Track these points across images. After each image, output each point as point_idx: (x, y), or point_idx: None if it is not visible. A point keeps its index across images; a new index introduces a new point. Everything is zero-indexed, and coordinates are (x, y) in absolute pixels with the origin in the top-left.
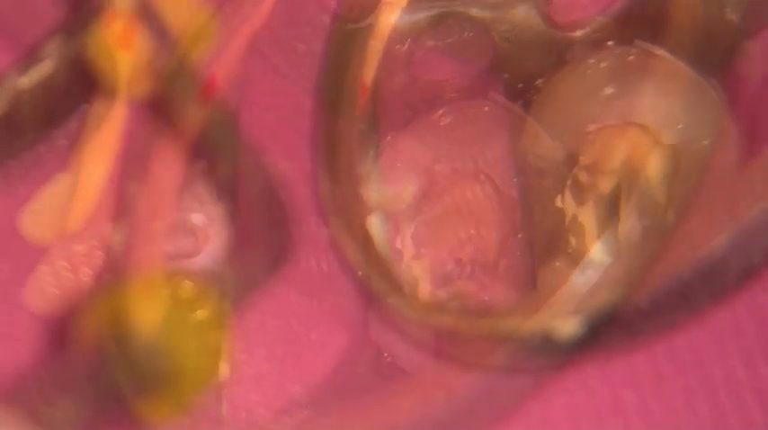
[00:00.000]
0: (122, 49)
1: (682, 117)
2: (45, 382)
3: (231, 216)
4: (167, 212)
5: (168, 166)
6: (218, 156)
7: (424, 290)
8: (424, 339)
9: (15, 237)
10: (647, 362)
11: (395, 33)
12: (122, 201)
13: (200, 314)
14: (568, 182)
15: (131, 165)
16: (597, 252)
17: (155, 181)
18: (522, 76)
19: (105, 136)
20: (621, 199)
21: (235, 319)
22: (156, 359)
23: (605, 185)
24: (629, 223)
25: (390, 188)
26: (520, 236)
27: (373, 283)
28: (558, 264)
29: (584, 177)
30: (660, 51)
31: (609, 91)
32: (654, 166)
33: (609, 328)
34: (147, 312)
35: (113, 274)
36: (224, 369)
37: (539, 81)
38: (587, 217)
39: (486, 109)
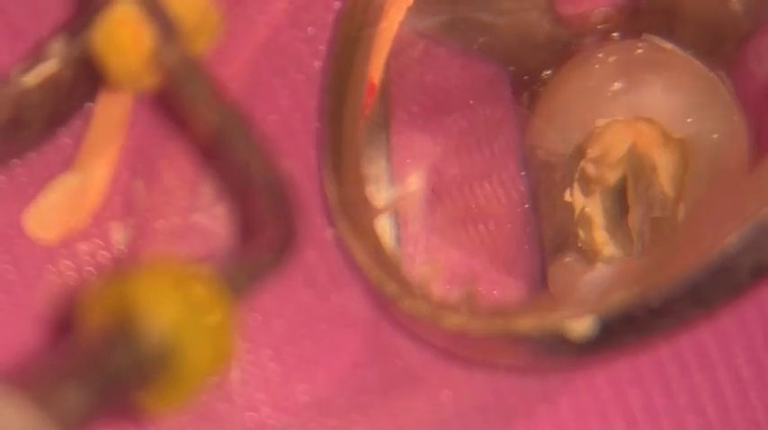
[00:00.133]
0: (128, 43)
1: (691, 111)
2: (50, 370)
3: (239, 212)
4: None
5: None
6: (227, 152)
7: (434, 290)
8: (434, 340)
9: (20, 236)
10: (652, 362)
11: (406, 36)
12: (127, 200)
13: (208, 309)
14: (576, 175)
15: (137, 164)
16: (606, 244)
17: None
18: (527, 68)
19: (110, 134)
20: (628, 190)
21: (240, 319)
22: (161, 354)
23: (612, 177)
24: (637, 214)
25: (400, 188)
26: (528, 230)
27: (382, 285)
28: (568, 259)
29: (591, 170)
30: (669, 45)
31: (618, 85)
32: (663, 160)
33: (622, 328)
34: (154, 305)
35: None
36: (230, 365)
37: (545, 73)
38: (594, 208)
39: (499, 111)
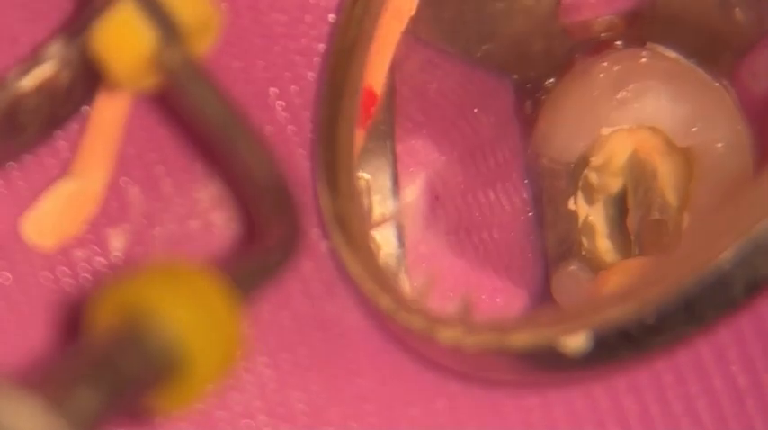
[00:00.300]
0: (129, 44)
1: (696, 120)
2: (60, 373)
3: (237, 218)
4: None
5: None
6: (230, 153)
7: (431, 302)
8: (429, 353)
9: (18, 242)
10: (647, 370)
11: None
12: (124, 207)
13: (218, 309)
14: (580, 183)
15: (133, 170)
16: (609, 252)
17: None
18: (530, 77)
19: (107, 138)
20: (628, 192)
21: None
22: (172, 355)
23: (614, 185)
24: (635, 216)
25: (404, 196)
26: (532, 239)
27: (376, 298)
28: (572, 267)
29: (593, 178)
30: (672, 54)
31: (622, 94)
32: (665, 168)
33: (616, 343)
34: (164, 306)
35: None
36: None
37: (548, 81)
38: (598, 217)
39: (502, 119)
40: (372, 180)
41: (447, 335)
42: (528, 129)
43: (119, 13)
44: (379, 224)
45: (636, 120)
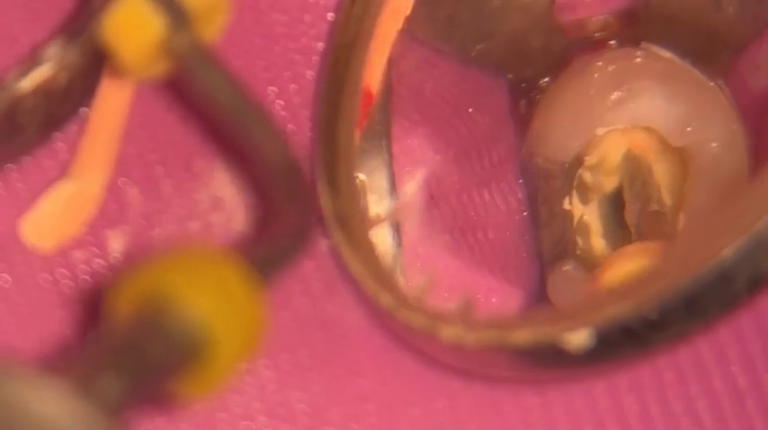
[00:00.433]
0: (138, 31)
1: (691, 120)
2: (85, 361)
3: (254, 194)
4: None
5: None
6: (242, 138)
7: (431, 300)
8: (430, 351)
9: (17, 244)
10: (648, 369)
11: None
12: (123, 208)
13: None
14: (575, 182)
15: (132, 171)
16: (604, 252)
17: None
18: (525, 76)
19: (106, 139)
20: (624, 188)
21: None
22: (195, 340)
23: (609, 184)
24: (633, 209)
25: (399, 196)
26: (527, 238)
27: (377, 296)
28: (567, 267)
29: (588, 177)
30: (667, 54)
31: (617, 95)
32: (660, 167)
33: (618, 340)
34: (186, 291)
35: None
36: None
37: (542, 81)
38: (592, 216)
39: (497, 118)
40: (368, 180)
41: (448, 332)
42: (523, 129)
43: (127, 1)
44: (374, 224)
45: (631, 120)
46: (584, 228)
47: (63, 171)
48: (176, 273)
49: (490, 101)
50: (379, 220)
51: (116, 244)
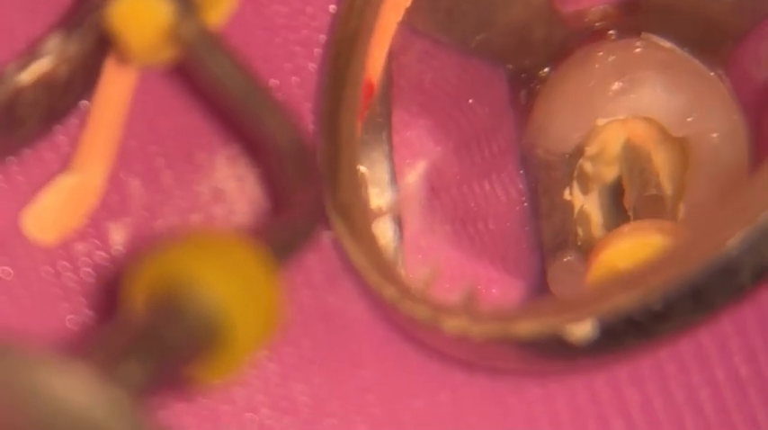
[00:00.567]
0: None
1: (692, 110)
2: (105, 347)
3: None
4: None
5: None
6: (251, 123)
7: (434, 292)
8: (433, 343)
9: (18, 237)
10: (650, 361)
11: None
12: (125, 200)
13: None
14: (575, 173)
15: (133, 163)
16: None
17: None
18: (525, 66)
19: (108, 130)
20: (623, 175)
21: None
22: (214, 325)
23: (609, 174)
24: (632, 194)
25: (400, 188)
26: (527, 229)
27: (380, 288)
28: (568, 258)
29: (588, 167)
30: (667, 44)
31: (618, 85)
32: (660, 157)
33: (623, 331)
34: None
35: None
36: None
37: (542, 71)
38: (593, 206)
39: (498, 109)
40: (369, 173)
41: (452, 324)
42: (523, 119)
43: None
44: (376, 217)
45: (632, 110)
46: (584, 219)
47: (64, 164)
48: (193, 258)
49: (490, 91)
50: (380, 213)
51: (118, 236)
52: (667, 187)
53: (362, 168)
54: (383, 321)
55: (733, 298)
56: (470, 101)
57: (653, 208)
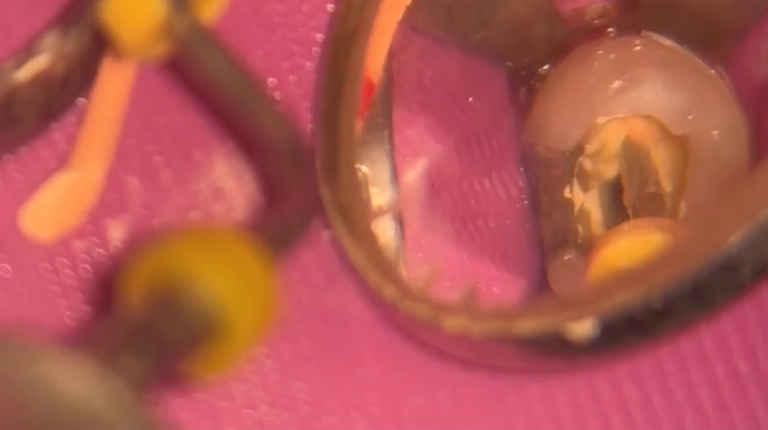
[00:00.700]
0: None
1: (692, 108)
2: (104, 341)
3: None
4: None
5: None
6: (245, 118)
7: (434, 290)
8: (433, 341)
9: (17, 234)
10: (649, 358)
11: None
12: (123, 197)
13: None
14: (575, 170)
15: (132, 160)
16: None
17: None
18: (524, 64)
19: (106, 127)
20: (622, 173)
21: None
22: (212, 319)
23: (609, 171)
24: (631, 191)
25: (401, 186)
26: (528, 227)
27: (380, 287)
28: (568, 256)
29: (588, 165)
30: (667, 41)
31: (618, 83)
32: (660, 155)
33: (623, 329)
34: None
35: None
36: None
37: (542, 69)
38: (593, 204)
39: (498, 107)
40: (370, 172)
41: (452, 323)
42: (523, 117)
43: None
44: (377, 216)
45: (632, 108)
46: (584, 217)
47: (61, 161)
48: (191, 252)
49: (490, 89)
50: (381, 212)
51: (116, 233)
52: (667, 185)
53: (364, 168)
54: (382, 320)
55: (733, 295)
56: (470, 98)
57: (652, 205)
